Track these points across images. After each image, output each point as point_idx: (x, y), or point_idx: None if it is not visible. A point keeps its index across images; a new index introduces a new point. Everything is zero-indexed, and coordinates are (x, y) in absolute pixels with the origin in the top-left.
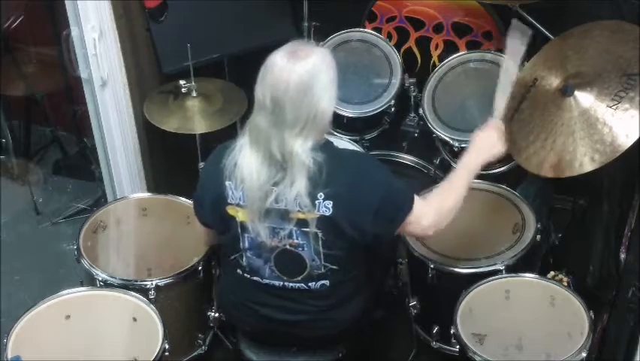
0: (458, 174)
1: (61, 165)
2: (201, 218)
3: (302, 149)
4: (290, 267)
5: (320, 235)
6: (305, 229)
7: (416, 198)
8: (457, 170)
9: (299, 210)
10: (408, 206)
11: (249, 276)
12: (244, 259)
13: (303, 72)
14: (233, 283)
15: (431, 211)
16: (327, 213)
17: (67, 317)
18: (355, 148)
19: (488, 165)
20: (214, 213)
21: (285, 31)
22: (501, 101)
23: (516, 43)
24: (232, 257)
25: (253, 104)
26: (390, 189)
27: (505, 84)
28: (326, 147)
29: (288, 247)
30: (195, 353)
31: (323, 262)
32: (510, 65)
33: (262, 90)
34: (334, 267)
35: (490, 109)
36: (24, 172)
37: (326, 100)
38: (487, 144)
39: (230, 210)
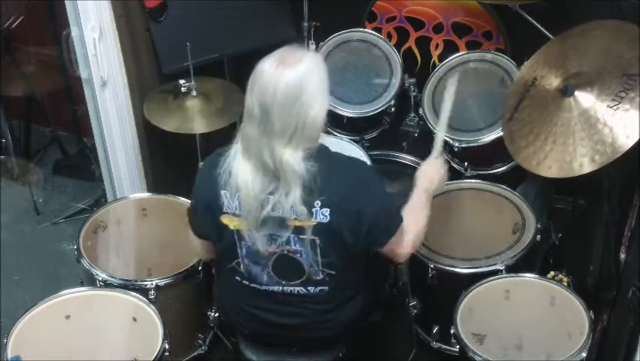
0: (420, 198)
1: (61, 165)
2: (196, 229)
3: (292, 158)
4: (288, 271)
5: (317, 241)
6: (302, 236)
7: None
8: (417, 195)
9: (296, 218)
10: (399, 218)
11: (247, 283)
12: (241, 266)
13: (290, 80)
14: (232, 289)
15: (410, 232)
16: (325, 221)
17: (67, 316)
18: (352, 151)
19: (488, 165)
20: (209, 222)
21: (285, 31)
22: (441, 138)
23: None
24: (229, 265)
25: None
26: (386, 202)
27: (444, 121)
28: (320, 154)
29: (285, 252)
30: (195, 353)
31: (321, 268)
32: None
33: (251, 98)
34: (332, 272)
35: (489, 109)
36: (24, 172)
37: (316, 108)
38: (434, 177)
39: (225, 219)
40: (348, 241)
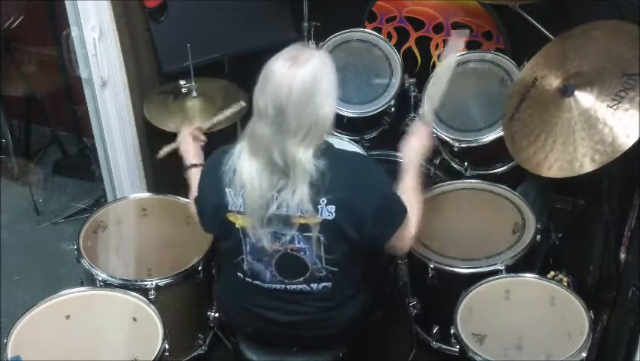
0: (410, 176)
1: (61, 165)
2: (204, 224)
3: (304, 156)
4: (291, 269)
5: (322, 239)
6: (307, 234)
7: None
8: (406, 174)
9: (301, 215)
10: (403, 210)
11: (250, 280)
12: (245, 263)
13: (305, 78)
14: (234, 287)
15: (413, 218)
16: (330, 218)
17: (67, 316)
18: (355, 149)
19: (488, 165)
20: (215, 219)
21: (285, 31)
22: (431, 99)
23: (455, 43)
24: (233, 262)
25: (253, 106)
26: (389, 192)
27: (438, 82)
28: (327, 151)
29: (289, 251)
30: (195, 353)
31: (324, 265)
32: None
33: (263, 98)
34: (335, 269)
35: (489, 109)
36: (24, 172)
37: (328, 104)
38: (420, 143)
39: (231, 217)
40: (352, 238)
